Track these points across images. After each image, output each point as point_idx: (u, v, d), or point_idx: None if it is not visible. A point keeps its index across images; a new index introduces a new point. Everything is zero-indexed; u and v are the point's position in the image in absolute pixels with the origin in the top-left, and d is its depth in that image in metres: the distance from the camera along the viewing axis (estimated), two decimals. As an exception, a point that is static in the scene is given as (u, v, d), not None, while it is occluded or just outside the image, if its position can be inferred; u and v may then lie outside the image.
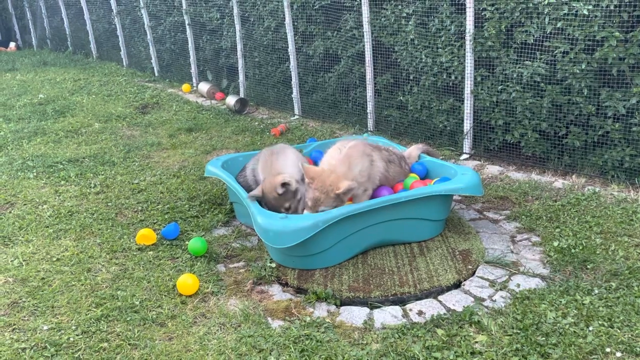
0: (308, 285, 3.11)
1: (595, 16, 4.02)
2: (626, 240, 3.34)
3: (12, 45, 14.57)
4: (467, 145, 5.09)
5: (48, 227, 3.84)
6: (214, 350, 2.55)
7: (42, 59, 11.58)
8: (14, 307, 2.90)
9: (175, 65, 9.16)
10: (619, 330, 2.54)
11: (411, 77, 5.43)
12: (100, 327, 2.70)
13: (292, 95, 6.83)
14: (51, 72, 10.23)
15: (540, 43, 4.39)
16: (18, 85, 9.01)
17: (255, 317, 2.81)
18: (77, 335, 2.64)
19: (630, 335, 2.50)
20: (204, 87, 7.99)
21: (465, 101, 4.94)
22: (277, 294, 3.08)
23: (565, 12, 4.15)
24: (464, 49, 4.80)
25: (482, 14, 4.65)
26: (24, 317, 2.80)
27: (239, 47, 7.40)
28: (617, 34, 3.92)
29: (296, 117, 6.82)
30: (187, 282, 3.02)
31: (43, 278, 3.16)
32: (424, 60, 5.19)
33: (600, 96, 4.17)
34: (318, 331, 2.68)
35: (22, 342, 2.59)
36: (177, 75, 9.08)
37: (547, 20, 4.26)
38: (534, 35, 4.39)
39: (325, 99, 6.52)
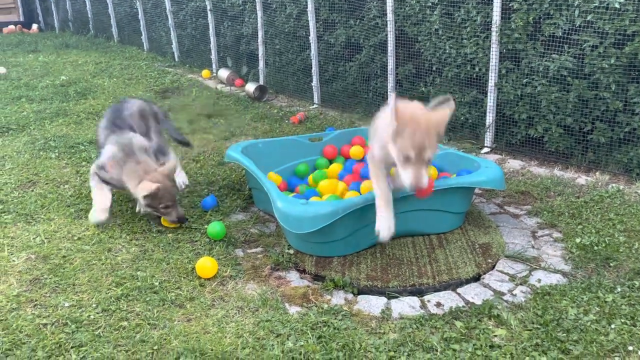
0: (326, 272, 3.11)
1: (627, 10, 3.92)
2: (651, 239, 3.28)
3: (34, 27, 14.71)
4: (488, 138, 5.03)
5: (69, 206, 3.89)
6: (231, 333, 2.56)
7: (64, 42, 11.67)
8: (36, 283, 2.94)
9: (196, 50, 9.17)
10: (642, 329, 2.50)
11: (434, 68, 5.37)
12: (120, 306, 2.73)
13: (312, 84, 6.80)
14: (73, 54, 10.32)
15: (569, 36, 4.30)
16: (40, 67, 9.10)
17: (273, 302, 2.81)
18: (97, 313, 2.67)
19: (654, 335, 2.46)
20: (223, 73, 7.99)
21: (489, 94, 4.87)
22: (295, 280, 3.08)
23: (596, 4, 4.06)
24: (490, 41, 4.73)
25: (510, 5, 4.56)
26: (46, 293, 2.84)
27: (260, 34, 7.37)
28: (649, 28, 3.82)
29: (315, 105, 6.80)
30: (206, 265, 3.04)
31: (64, 256, 3.20)
32: (447, 51, 5.12)
33: (628, 92, 4.08)
34: (335, 319, 2.68)
35: (44, 317, 2.62)
36: (197, 61, 9.09)
37: (576, 12, 4.17)
38: (562, 28, 4.30)
39: (345, 88, 6.48)
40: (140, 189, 3.44)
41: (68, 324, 2.58)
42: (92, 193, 3.68)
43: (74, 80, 7.97)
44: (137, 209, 3.78)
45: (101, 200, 3.61)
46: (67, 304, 2.73)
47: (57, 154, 4.96)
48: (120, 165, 3.57)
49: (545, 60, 4.44)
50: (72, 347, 2.42)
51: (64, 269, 3.07)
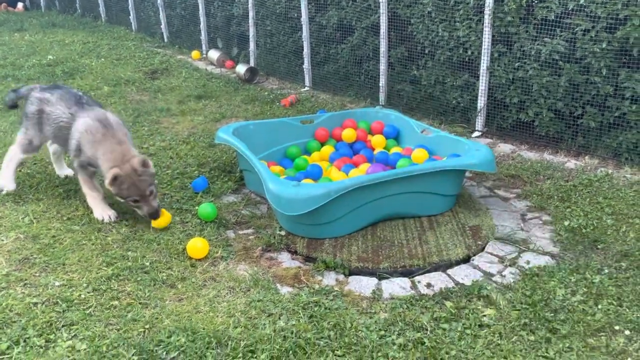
0: (317, 254, 3.12)
1: (620, -6, 3.92)
2: (638, 222, 3.33)
3: (19, 5, 14.40)
4: (479, 122, 5.04)
5: (58, 186, 3.84)
6: (223, 312, 2.57)
7: (51, 21, 11.46)
8: (25, 263, 2.92)
9: (185, 31, 9.04)
10: (628, 310, 2.55)
11: (426, 51, 5.35)
12: (111, 286, 2.72)
13: (304, 66, 6.75)
14: (60, 33, 10.13)
15: (561, 20, 4.30)
16: (27, 46, 8.93)
17: (264, 283, 2.82)
18: (88, 292, 2.66)
19: (639, 315, 2.51)
20: (214, 54, 7.90)
21: (481, 77, 4.87)
22: (286, 261, 3.09)
23: (589, -12, 4.05)
24: (482, 24, 4.71)
25: (503, -12, 4.55)
26: (35, 273, 2.82)
27: (251, 14, 7.28)
28: (641, 13, 3.83)
29: (307, 88, 6.76)
30: (197, 245, 3.03)
31: (54, 236, 3.18)
32: (440, 34, 5.10)
33: (619, 77, 4.10)
34: (327, 299, 2.70)
35: (34, 297, 2.61)
36: (186, 42, 8.97)
37: (569, -4, 4.17)
38: (555, 12, 4.29)
39: (337, 70, 6.44)
40: (108, 174, 3.19)
41: (59, 303, 2.57)
42: (87, 198, 3.45)
43: (61, 60, 7.84)
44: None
45: (97, 198, 3.45)
46: (57, 283, 2.72)
47: (44, 134, 4.89)
48: (96, 140, 3.28)
49: (538, 44, 4.44)
50: (63, 326, 2.41)
51: (53, 248, 3.05)
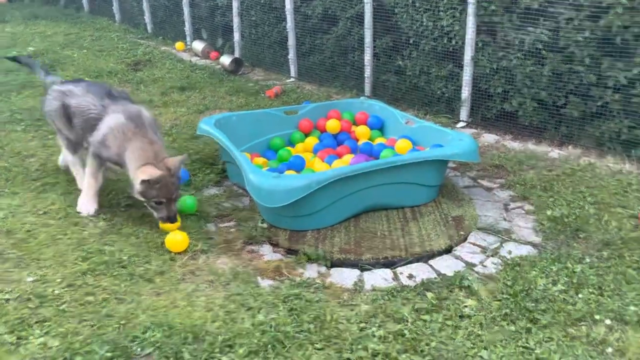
0: (299, 246, 3.09)
1: (603, -18, 3.90)
2: (620, 212, 3.33)
3: (1, -4, 14.11)
4: (464, 113, 5.01)
5: (35, 180, 3.76)
6: (201, 306, 2.53)
7: (33, 12, 11.23)
8: (-1, 258, 2.85)
9: (169, 22, 8.91)
10: (609, 299, 2.54)
11: (411, 41, 5.30)
12: (87, 281, 2.66)
13: (289, 57, 6.68)
14: (42, 25, 9.94)
15: (545, 9, 4.27)
16: (8, 38, 8.76)
17: (244, 276, 2.78)
18: (62, 288, 2.60)
19: (620, 304, 2.50)
20: (198, 45, 7.79)
21: (465, 67, 4.84)
22: (268, 254, 3.05)
23: (573, -24, 4.03)
24: (467, 13, 4.67)
25: (487, -24, 4.51)
26: (8, 268, 2.75)
27: (235, 5, 7.18)
28: (624, 0, 3.81)
29: (292, 79, 6.69)
30: (176, 238, 2.98)
31: (29, 230, 3.10)
32: (424, 23, 5.05)
33: (601, 65, 4.09)
34: (308, 291, 2.66)
35: (6, 293, 2.54)
36: (170, 33, 8.84)
37: (553, -16, 4.14)
38: (538, 1, 4.26)
39: (322, 61, 6.37)
40: (142, 172, 2.97)
41: (32, 299, 2.50)
42: (82, 179, 3.28)
43: (43, 52, 7.69)
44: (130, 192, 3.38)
45: (93, 189, 3.29)
46: (30, 279, 2.66)
47: (23, 127, 4.79)
48: (127, 138, 3.08)
49: (521, 34, 4.42)
50: (35, 322, 2.35)
51: (28, 243, 2.98)
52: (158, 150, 3.11)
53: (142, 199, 3.07)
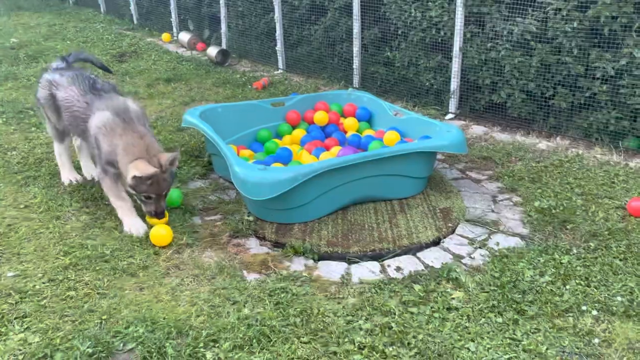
0: (286, 239, 3.05)
1: (591, -28, 3.89)
2: (607, 202, 3.33)
3: (-17, -13, 13.83)
4: (452, 104, 4.99)
5: (17, 173, 3.69)
6: (185, 301, 2.49)
7: (16, 3, 11.04)
8: (-22, 253, 2.78)
9: (155, 13, 8.79)
10: (595, 290, 2.54)
11: (399, 32, 5.27)
12: (68, 276, 2.61)
13: (276, 48, 6.61)
14: (25, 16, 9.77)
15: (533, -1, 4.26)
16: (-11, 29, 8.60)
17: (230, 270, 2.74)
18: (43, 283, 2.55)
19: (606, 295, 2.50)
20: (184, 37, 7.70)
21: (454, 58, 4.81)
22: (254, 247, 3.01)
23: (561, -33, 4.01)
24: (455, 3, 4.64)
25: (475, -34, 4.47)
26: (-12, 263, 2.70)
27: (222, -5, 7.10)
28: (612, -9, 3.80)
29: (280, 71, 6.63)
30: (161, 232, 2.93)
31: (9, 225, 3.04)
32: (413, 14, 5.01)
33: (589, 56, 4.08)
34: (294, 285, 2.63)
35: (-14, 288, 2.49)
36: (157, 24, 8.72)
37: (541, -25, 4.12)
38: (527, -9, 4.25)
39: (310, 53, 6.32)
40: (134, 167, 2.86)
41: (11, 294, 2.45)
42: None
43: (25, 43, 7.55)
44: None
45: (125, 208, 3.09)
46: (10, 274, 2.60)
47: (4, 119, 4.70)
48: (116, 134, 2.97)
49: (510, 24, 4.39)
50: (15, 318, 2.30)
51: (8, 237, 2.91)
52: (149, 143, 3.00)
53: (132, 192, 3.00)
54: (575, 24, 4.02)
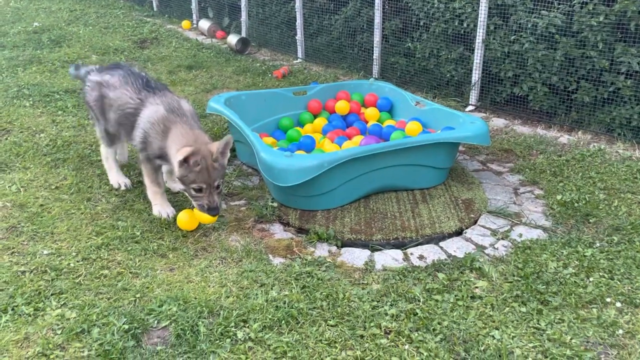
0: (309, 225, 3.10)
1: (620, -34, 3.86)
2: (629, 197, 3.34)
3: (3, -29, 13.93)
4: (473, 96, 5.00)
5: (46, 155, 3.77)
6: (215, 282, 2.55)
7: (36, -13, 11.10)
8: (13, 231, 2.87)
9: (175, 0, 8.82)
10: (619, 282, 2.56)
11: (421, 23, 5.26)
12: (101, 255, 2.69)
13: (296, 37, 6.63)
14: (46, 0, 9.84)
15: (559, -8, 4.24)
16: (12, 12, 8.67)
17: (256, 254, 2.80)
18: (77, 261, 2.63)
19: (630, 288, 2.53)
20: (204, 24, 7.73)
21: (476, 50, 4.81)
22: (279, 232, 3.07)
23: (589, -40, 3.98)
24: (479, -5, 4.63)
25: (501, -42, 4.45)
26: (23, 241, 2.78)
27: (243, -17, 7.11)
28: (640, -15, 3.78)
29: (299, 60, 6.65)
30: (184, 219, 2.94)
31: (42, 205, 3.12)
32: (436, 5, 5.01)
33: (615, 51, 4.07)
34: (319, 270, 2.68)
35: (22, 265, 2.57)
36: (176, 11, 8.76)
37: (568, -32, 4.09)
38: (553, -16, 4.22)
39: (330, 42, 6.33)
40: (179, 153, 2.73)
41: (47, 271, 2.53)
42: (148, 191, 3.11)
43: (48, 28, 7.62)
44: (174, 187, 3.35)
45: (158, 195, 3.11)
46: (45, 252, 2.68)
47: (31, 102, 4.78)
48: (167, 129, 2.90)
49: (534, 17, 4.38)
50: (52, 294, 2.38)
51: (41, 217, 2.99)
52: (199, 134, 2.89)
53: (183, 186, 2.85)
54: (601, 18, 4.00)
